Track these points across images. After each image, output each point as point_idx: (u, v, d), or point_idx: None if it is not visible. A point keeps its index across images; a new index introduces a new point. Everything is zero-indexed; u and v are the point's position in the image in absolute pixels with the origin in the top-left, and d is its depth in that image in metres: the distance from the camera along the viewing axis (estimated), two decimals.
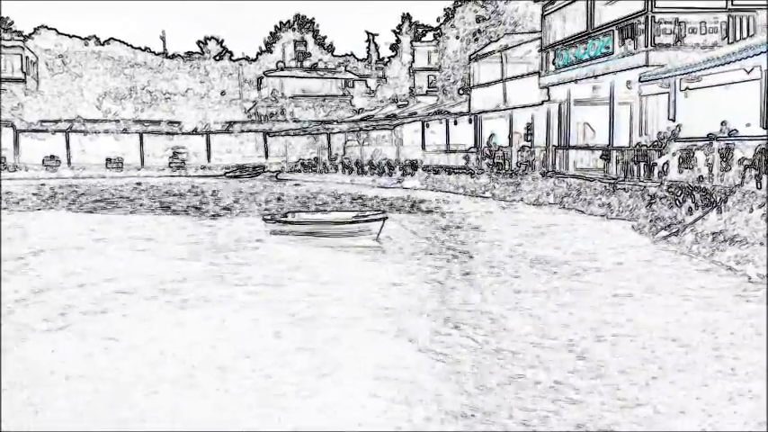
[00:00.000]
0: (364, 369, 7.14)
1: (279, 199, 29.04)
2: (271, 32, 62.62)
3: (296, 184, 39.86)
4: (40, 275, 12.36)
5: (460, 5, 44.70)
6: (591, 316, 9.18)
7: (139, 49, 58.19)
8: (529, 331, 8.52)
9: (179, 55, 59.43)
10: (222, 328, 8.86)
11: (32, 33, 54.21)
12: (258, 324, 8.95)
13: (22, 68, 50.96)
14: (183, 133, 55.27)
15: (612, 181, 20.59)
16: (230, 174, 49.26)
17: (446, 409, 6.04)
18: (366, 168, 41.41)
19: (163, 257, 14.37)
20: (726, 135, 16.69)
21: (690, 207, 15.41)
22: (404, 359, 7.46)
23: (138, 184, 41.64)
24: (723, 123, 17.02)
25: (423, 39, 59.02)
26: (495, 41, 34.76)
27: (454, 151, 36.40)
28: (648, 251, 14.12)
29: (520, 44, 30.34)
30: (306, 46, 62.10)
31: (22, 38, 51.77)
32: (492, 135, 32.57)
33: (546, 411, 6.04)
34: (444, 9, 48.29)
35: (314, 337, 8.34)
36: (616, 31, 21.52)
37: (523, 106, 29.31)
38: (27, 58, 51.63)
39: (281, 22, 62.62)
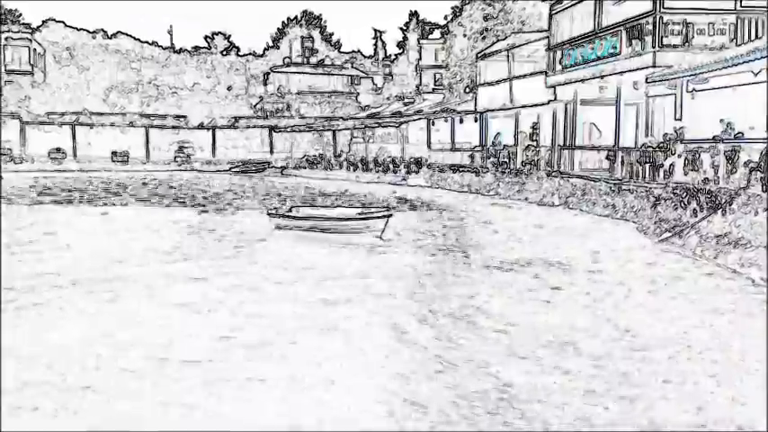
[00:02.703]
0: None
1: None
2: (278, 28, 62.65)
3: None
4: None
5: (468, 3, 44.62)
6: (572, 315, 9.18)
7: (147, 42, 58.30)
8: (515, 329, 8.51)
9: (186, 49, 59.50)
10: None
11: (40, 26, 54.35)
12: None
13: (29, 61, 51.09)
14: (188, 128, 55.34)
15: (617, 182, 20.54)
16: (235, 169, 49.21)
17: None
18: (371, 166, 41.40)
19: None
20: (731, 137, 16.63)
21: (695, 209, 15.37)
22: None
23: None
24: (728, 125, 16.96)
25: (430, 36, 58.97)
26: (503, 40, 34.67)
27: (459, 150, 36.34)
28: (652, 252, 14.09)
29: (527, 43, 30.26)
30: (313, 42, 62.10)
31: (29, 30, 51.88)
32: (498, 134, 32.51)
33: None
34: (452, 7, 48.29)
35: None
36: (624, 32, 21.43)
37: (529, 105, 29.24)
38: (34, 50, 51.75)
39: (288, 18, 62.64)
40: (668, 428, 5.77)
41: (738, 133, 16.74)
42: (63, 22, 55.43)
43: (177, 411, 6.00)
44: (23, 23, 52.39)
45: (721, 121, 17.01)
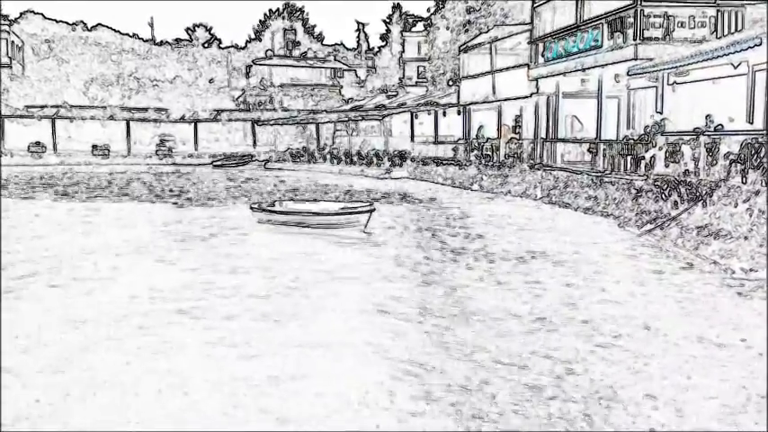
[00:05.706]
0: None
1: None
2: (260, 20, 62.25)
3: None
4: None
5: None
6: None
7: (127, 35, 57.68)
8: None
9: (167, 42, 58.96)
10: None
11: (18, 18, 53.58)
12: None
13: (7, 53, 50.35)
14: (170, 121, 54.81)
15: (599, 174, 20.65)
16: (217, 163, 48.75)
17: None
18: (354, 159, 41.30)
19: None
20: (711, 129, 16.77)
21: (675, 201, 15.49)
22: None
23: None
24: (708, 117, 17.10)
25: (413, 29, 58.88)
26: (485, 33, 34.67)
27: (443, 142, 36.34)
28: (632, 244, 14.19)
29: (510, 36, 30.27)
30: (295, 35, 61.77)
31: (7, 22, 51.10)
32: (481, 127, 32.55)
33: None
34: None
35: None
36: (605, 25, 21.52)
37: (512, 98, 29.29)
38: (13, 42, 51.01)
39: (270, 11, 62.25)
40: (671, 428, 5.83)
41: (718, 125, 16.87)
42: (42, 15, 54.68)
43: None
44: (1, 15, 51.56)
45: (707, 117, 17.12)
